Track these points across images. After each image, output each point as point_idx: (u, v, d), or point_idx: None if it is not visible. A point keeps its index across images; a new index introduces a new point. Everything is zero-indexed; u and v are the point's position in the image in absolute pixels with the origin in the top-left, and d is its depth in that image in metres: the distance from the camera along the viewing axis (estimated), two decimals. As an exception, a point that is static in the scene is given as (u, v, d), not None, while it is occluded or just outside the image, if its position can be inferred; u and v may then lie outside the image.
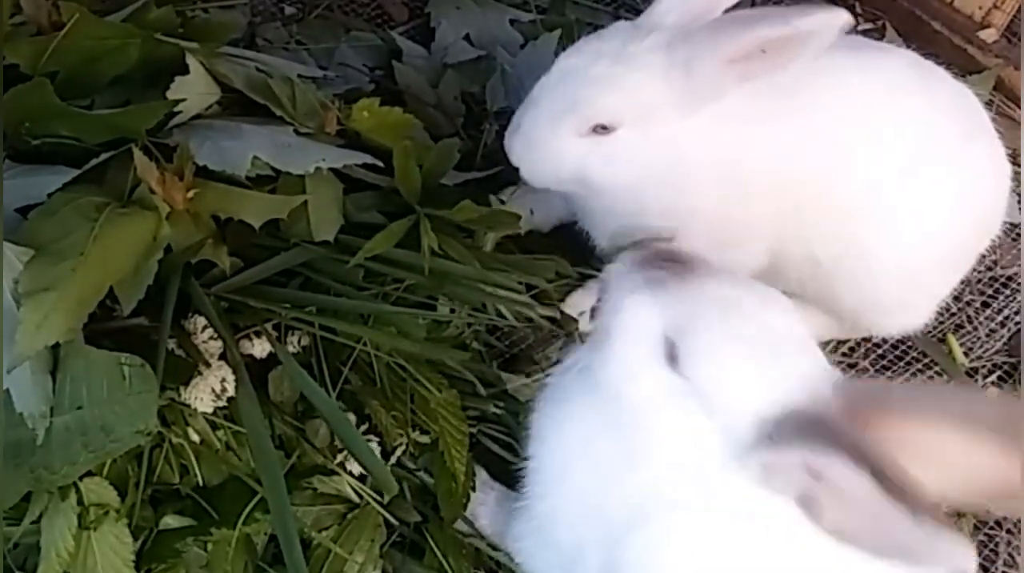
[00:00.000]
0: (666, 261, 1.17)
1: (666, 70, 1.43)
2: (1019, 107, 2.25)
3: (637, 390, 1.13)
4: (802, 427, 0.99)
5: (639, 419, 1.14)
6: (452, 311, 1.60)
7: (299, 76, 1.67)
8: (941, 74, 1.64)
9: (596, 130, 1.47)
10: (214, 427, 1.42)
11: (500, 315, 1.64)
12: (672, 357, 1.09)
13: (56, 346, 1.25)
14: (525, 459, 1.36)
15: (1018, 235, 1.95)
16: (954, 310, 1.94)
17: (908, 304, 1.74)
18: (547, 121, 1.50)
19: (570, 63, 1.50)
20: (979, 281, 2.01)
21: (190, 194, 1.42)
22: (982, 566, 1.71)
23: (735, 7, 1.47)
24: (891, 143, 1.55)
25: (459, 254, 1.56)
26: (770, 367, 1.05)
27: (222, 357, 1.44)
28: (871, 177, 1.56)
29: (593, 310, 1.25)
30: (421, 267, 1.54)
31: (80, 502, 1.31)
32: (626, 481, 1.16)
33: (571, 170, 1.52)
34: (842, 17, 1.32)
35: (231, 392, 1.40)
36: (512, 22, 2.29)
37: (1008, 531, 1.74)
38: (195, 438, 1.41)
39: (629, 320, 1.14)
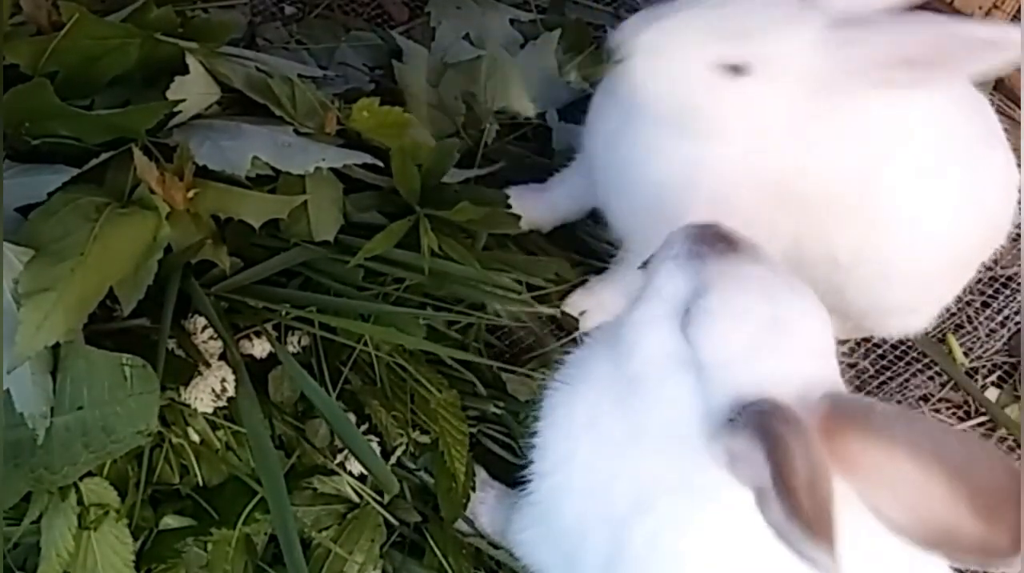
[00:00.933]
0: (718, 239, 1.14)
1: (822, 44, 1.36)
2: (1019, 107, 2.25)
3: (647, 349, 1.11)
4: (760, 415, 0.96)
5: (640, 385, 1.12)
6: (452, 311, 1.60)
7: (299, 76, 1.67)
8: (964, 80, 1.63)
9: (732, 68, 1.38)
10: (214, 427, 1.42)
11: (500, 315, 1.64)
12: (685, 322, 1.07)
13: (56, 346, 1.25)
14: (529, 443, 1.35)
15: (1018, 235, 1.95)
16: (954, 310, 1.93)
17: (915, 307, 1.74)
18: (699, 32, 1.38)
19: None
20: (979, 281, 2.01)
21: (190, 194, 1.42)
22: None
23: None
24: (919, 148, 1.54)
25: (459, 254, 1.56)
26: (769, 354, 1.03)
27: (222, 357, 1.44)
28: (899, 180, 1.55)
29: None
30: (421, 267, 1.54)
31: (80, 502, 1.31)
32: (634, 463, 1.15)
33: (686, 90, 1.41)
34: None
35: (231, 392, 1.40)
36: (512, 22, 2.28)
37: (1008, 531, 1.74)
38: (195, 438, 1.41)
39: (659, 283, 1.13)
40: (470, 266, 1.57)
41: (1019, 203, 1.74)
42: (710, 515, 1.10)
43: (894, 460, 0.94)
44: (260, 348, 1.49)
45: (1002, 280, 2.03)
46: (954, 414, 1.87)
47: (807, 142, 1.48)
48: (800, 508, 0.88)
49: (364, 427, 1.51)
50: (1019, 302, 2.00)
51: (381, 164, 1.57)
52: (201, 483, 1.42)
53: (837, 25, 1.37)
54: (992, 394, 1.88)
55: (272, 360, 1.50)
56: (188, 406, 1.39)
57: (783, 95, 1.42)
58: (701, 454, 1.06)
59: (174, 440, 1.39)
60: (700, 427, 1.04)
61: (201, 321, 1.44)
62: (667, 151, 1.52)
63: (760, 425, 0.95)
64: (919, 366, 1.90)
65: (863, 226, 1.58)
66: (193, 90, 1.52)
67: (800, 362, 1.04)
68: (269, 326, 1.49)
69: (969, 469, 0.90)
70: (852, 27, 1.36)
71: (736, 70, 1.39)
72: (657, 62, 1.41)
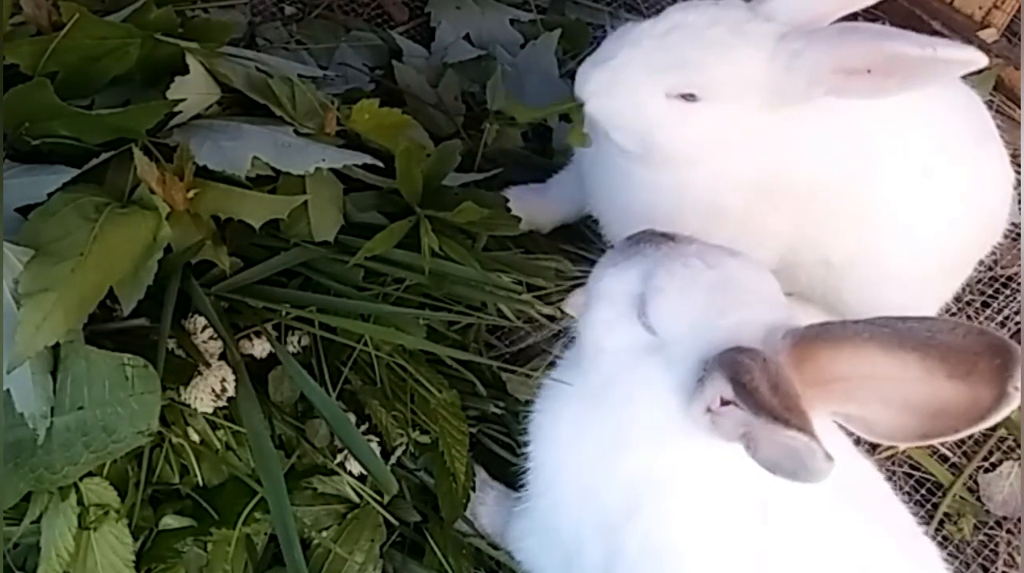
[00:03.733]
0: (653, 236, 1.19)
1: (771, 58, 1.39)
2: (1019, 107, 2.25)
3: (611, 351, 1.14)
4: (717, 363, 0.99)
5: (613, 385, 1.15)
6: (452, 311, 1.60)
7: (299, 76, 1.67)
8: (956, 79, 1.64)
9: (684, 96, 1.42)
10: (214, 427, 1.42)
11: (501, 315, 1.64)
12: (640, 311, 1.11)
13: (56, 346, 1.25)
14: (524, 459, 1.37)
15: (1018, 235, 1.95)
16: (954, 310, 1.94)
17: (912, 307, 1.74)
18: (643, 69, 1.43)
19: (686, 18, 1.42)
20: (979, 281, 2.01)
21: (190, 194, 1.42)
22: (982, 566, 1.71)
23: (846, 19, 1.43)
24: (913, 148, 1.55)
25: (459, 255, 1.56)
26: (724, 311, 1.06)
27: (222, 357, 1.44)
28: (893, 182, 1.55)
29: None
30: (421, 267, 1.54)
31: (80, 502, 1.31)
32: (619, 465, 1.16)
33: (643, 125, 1.46)
34: (981, 60, 1.27)
35: (231, 392, 1.40)
36: (512, 22, 2.29)
37: (1008, 531, 1.74)
38: (195, 438, 1.41)
39: (607, 287, 1.17)
40: (470, 267, 1.57)
41: (1018, 202, 1.74)
42: (697, 506, 1.11)
43: (865, 357, 0.97)
44: (260, 348, 1.49)
45: (1002, 280, 2.03)
46: (954, 414, 1.87)
47: (783, 150, 1.49)
48: (766, 402, 0.91)
49: (364, 427, 1.51)
50: (1019, 302, 2.00)
51: (382, 165, 1.57)
52: (201, 483, 1.42)
53: (786, 38, 1.39)
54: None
55: (272, 360, 1.50)
56: (188, 406, 1.39)
57: (742, 112, 1.44)
58: (682, 437, 1.08)
59: (174, 440, 1.39)
60: (676, 404, 1.06)
61: (201, 321, 1.43)
62: (642, 181, 1.56)
63: (721, 361, 0.98)
64: (919, 366, 1.89)
65: (855, 228, 1.58)
66: (193, 90, 1.52)
67: (756, 312, 1.07)
68: (269, 326, 1.49)
69: (933, 338, 0.94)
70: (798, 39, 1.38)
71: (690, 97, 1.42)
72: (609, 103, 1.46)
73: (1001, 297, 2.01)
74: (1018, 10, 2.33)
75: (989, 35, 2.34)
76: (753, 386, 0.92)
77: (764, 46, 1.39)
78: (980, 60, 1.28)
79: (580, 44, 2.22)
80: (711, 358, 1.01)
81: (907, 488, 1.77)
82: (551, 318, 1.72)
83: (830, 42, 1.36)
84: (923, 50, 1.28)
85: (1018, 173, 1.75)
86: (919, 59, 1.29)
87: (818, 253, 1.61)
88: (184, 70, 1.52)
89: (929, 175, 1.56)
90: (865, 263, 1.61)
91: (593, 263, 1.74)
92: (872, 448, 1.71)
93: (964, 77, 1.68)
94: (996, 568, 1.71)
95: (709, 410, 1.02)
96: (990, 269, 2.02)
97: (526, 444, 1.36)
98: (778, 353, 1.00)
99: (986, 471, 1.80)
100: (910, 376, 0.95)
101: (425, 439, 1.55)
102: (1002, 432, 1.84)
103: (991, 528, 1.75)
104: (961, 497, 1.77)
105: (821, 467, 0.89)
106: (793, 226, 1.57)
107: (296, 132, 1.56)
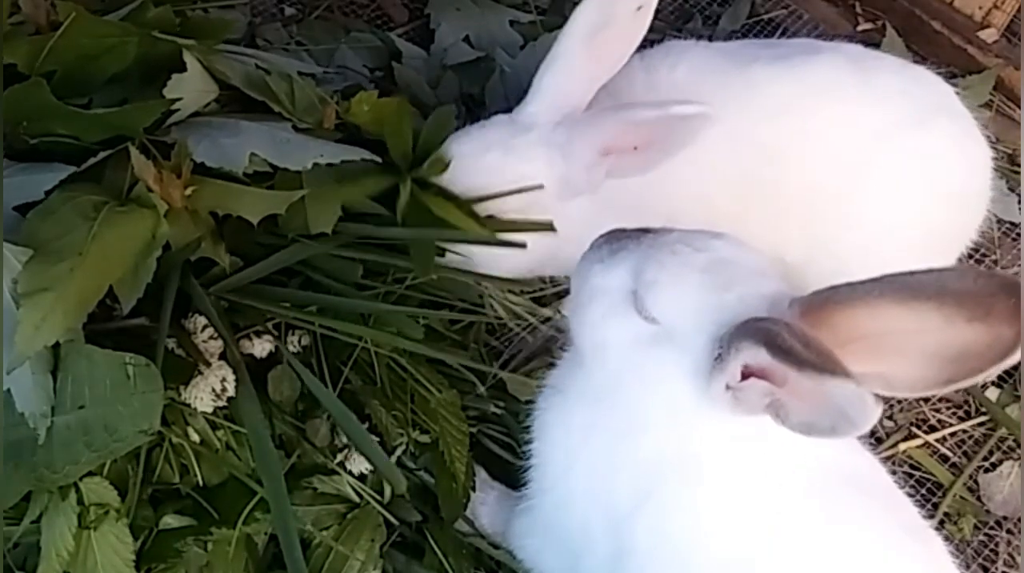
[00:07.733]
0: (630, 230, 1.19)
1: (548, 158, 1.49)
2: (1019, 107, 2.25)
3: (614, 346, 1.14)
4: (739, 335, 1.00)
5: (622, 379, 1.15)
6: (451, 310, 1.60)
7: (298, 73, 1.67)
8: (888, 63, 1.63)
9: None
10: (214, 427, 1.41)
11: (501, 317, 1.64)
12: (639, 305, 1.11)
13: (57, 346, 1.24)
14: (526, 458, 1.36)
15: (1018, 235, 1.95)
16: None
17: None
18: (470, 145, 1.55)
19: (461, 150, 1.55)
20: (979, 281, 2.01)
21: (188, 191, 1.41)
22: (982, 566, 1.71)
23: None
24: (827, 143, 1.56)
25: (454, 216, 1.56)
26: (725, 292, 1.07)
27: (222, 357, 1.43)
28: (815, 179, 1.56)
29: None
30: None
31: (80, 502, 1.30)
32: (628, 457, 1.17)
33: (483, 185, 1.56)
34: (708, 112, 1.38)
35: (231, 392, 1.40)
36: (512, 23, 2.29)
37: (1008, 531, 1.74)
38: (195, 438, 1.41)
39: (597, 284, 1.17)
40: (467, 229, 1.56)
41: (1018, 199, 1.74)
42: (708, 495, 1.12)
43: (881, 313, 0.97)
44: (260, 348, 1.49)
45: (1002, 280, 2.02)
46: (954, 414, 1.87)
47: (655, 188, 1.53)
48: (806, 357, 0.91)
49: (364, 427, 1.51)
50: (1019, 302, 1.99)
51: (380, 160, 1.57)
52: (201, 483, 1.41)
53: (555, 131, 1.49)
54: (992, 394, 1.88)
55: (272, 360, 1.49)
56: (188, 406, 1.39)
57: (542, 215, 1.54)
58: (698, 422, 1.09)
59: (174, 440, 1.39)
60: (691, 387, 1.06)
61: (201, 320, 1.43)
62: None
63: (746, 332, 0.98)
64: (919, 366, 1.89)
65: (796, 229, 1.60)
66: (191, 88, 1.52)
67: (754, 286, 1.07)
68: (269, 325, 1.48)
69: (945, 287, 0.94)
70: (563, 133, 1.49)
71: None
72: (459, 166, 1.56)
73: (1001, 297, 2.01)
74: (1018, 10, 2.33)
75: (989, 35, 2.34)
76: (788, 345, 0.93)
77: (536, 154, 1.50)
78: (706, 113, 1.38)
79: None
80: (726, 334, 1.01)
81: (907, 488, 1.76)
82: (549, 319, 1.72)
83: (587, 128, 1.46)
84: (658, 111, 1.39)
85: (1016, 172, 1.74)
86: (658, 120, 1.39)
87: (770, 250, 1.61)
88: (182, 68, 1.51)
89: (858, 166, 1.55)
90: (823, 260, 1.59)
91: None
92: (873, 446, 1.71)
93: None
94: (996, 568, 1.71)
95: (728, 387, 1.02)
96: (990, 269, 2.02)
97: (528, 442, 1.35)
98: (788, 319, 1.00)
99: (986, 471, 1.79)
100: (929, 326, 0.95)
101: (425, 439, 1.54)
102: (1002, 432, 1.84)
103: (991, 528, 1.75)
104: (961, 497, 1.77)
105: (870, 413, 0.89)
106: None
107: (294, 128, 1.55)
